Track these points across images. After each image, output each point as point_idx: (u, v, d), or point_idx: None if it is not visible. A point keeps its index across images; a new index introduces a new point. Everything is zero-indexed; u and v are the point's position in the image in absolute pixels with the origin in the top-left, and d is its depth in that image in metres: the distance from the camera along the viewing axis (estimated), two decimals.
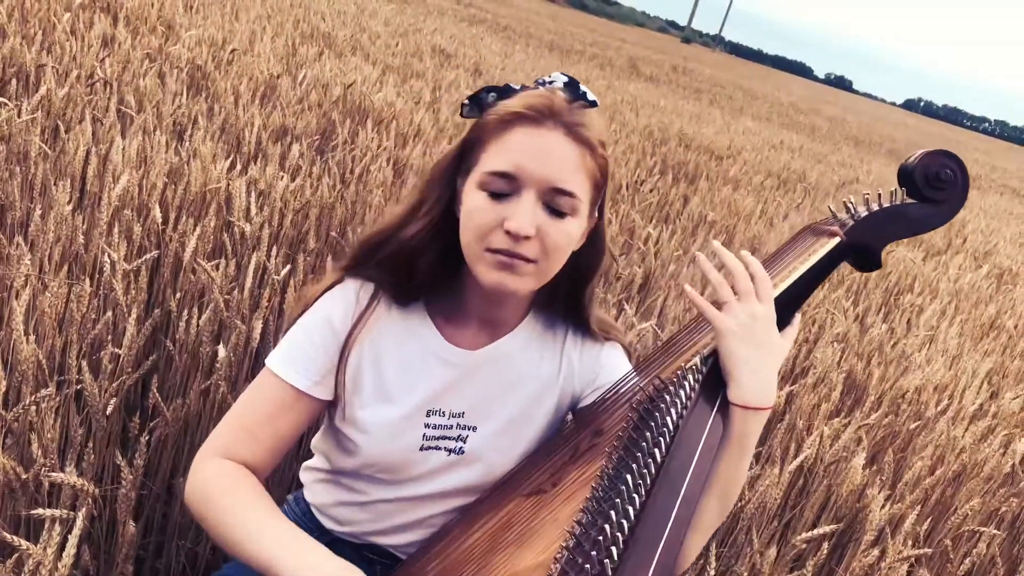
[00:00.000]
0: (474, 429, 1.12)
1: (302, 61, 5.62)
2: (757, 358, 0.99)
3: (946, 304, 4.46)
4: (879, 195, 1.13)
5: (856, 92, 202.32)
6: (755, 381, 0.99)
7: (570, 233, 1.01)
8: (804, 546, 1.73)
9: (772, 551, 1.66)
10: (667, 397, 0.99)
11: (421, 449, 1.10)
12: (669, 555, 0.78)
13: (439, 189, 1.06)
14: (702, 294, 1.06)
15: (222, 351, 1.55)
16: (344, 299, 1.08)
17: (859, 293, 4.36)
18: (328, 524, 1.22)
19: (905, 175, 1.11)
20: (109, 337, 1.61)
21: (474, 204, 0.99)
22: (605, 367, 1.17)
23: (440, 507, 1.14)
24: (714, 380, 1.01)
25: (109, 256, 1.86)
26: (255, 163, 3.22)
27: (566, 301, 1.15)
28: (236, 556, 0.94)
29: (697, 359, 1.04)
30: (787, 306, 1.06)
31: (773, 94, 27.96)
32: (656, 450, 0.90)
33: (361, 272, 1.09)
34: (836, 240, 1.10)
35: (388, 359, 1.09)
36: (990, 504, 2.20)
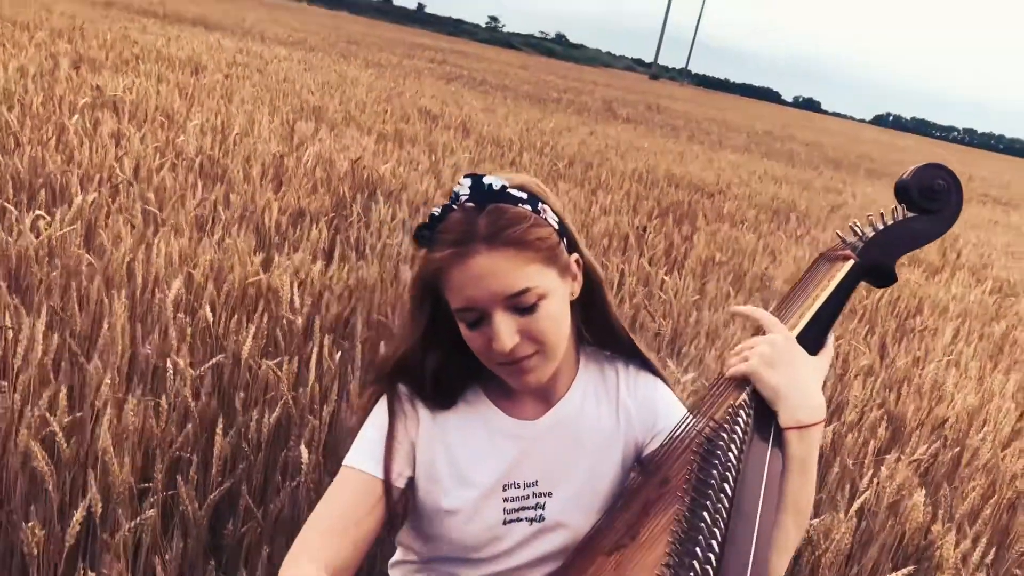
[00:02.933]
0: (550, 495, 1.16)
1: (302, 138, 5.72)
2: (791, 378, 1.04)
3: (959, 324, 4.53)
4: (881, 214, 1.19)
5: (825, 112, 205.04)
6: (797, 400, 1.03)
7: (552, 313, 1.07)
8: None
9: None
10: (724, 435, 1.02)
11: (504, 523, 1.14)
12: None
13: (418, 310, 1.14)
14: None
15: (306, 454, 1.59)
16: (399, 400, 1.16)
17: (873, 321, 4.43)
18: None
19: (902, 191, 1.17)
20: (189, 449, 1.65)
21: (464, 334, 1.08)
22: (661, 411, 1.22)
23: (534, 574, 1.17)
24: (765, 413, 1.05)
25: (174, 365, 1.90)
26: (279, 251, 3.28)
27: (598, 335, 1.22)
28: None
29: (744, 396, 1.07)
30: (818, 330, 1.11)
31: (747, 124, 28.39)
32: (726, 485, 0.94)
33: (384, 380, 1.18)
34: (851, 263, 1.16)
35: (457, 446, 1.15)
36: None
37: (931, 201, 1.15)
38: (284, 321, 2.31)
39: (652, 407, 1.22)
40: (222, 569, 1.33)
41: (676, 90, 58.75)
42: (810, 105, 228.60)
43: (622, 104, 22.17)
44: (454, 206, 1.06)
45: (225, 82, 8.31)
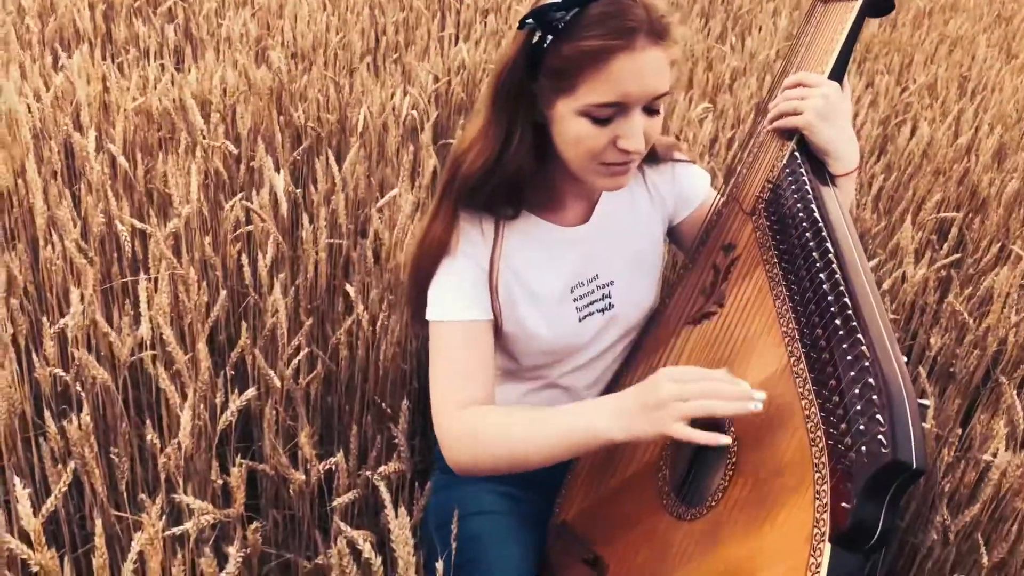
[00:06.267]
0: (612, 283, 1.25)
1: None
2: (841, 129, 1.13)
3: (777, 2, 4.76)
4: None
5: None
6: (848, 149, 1.13)
7: (662, 118, 1.09)
8: None
9: None
10: (784, 192, 1.10)
11: (580, 321, 1.23)
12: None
13: (522, 113, 1.08)
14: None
15: (352, 291, 1.56)
16: (469, 235, 1.15)
17: (708, 14, 4.56)
18: None
19: None
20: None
21: (580, 131, 1.04)
22: (686, 179, 1.32)
23: (613, 356, 1.30)
24: (815, 161, 1.13)
25: (132, 228, 1.74)
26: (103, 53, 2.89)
27: None
28: (537, 462, 1.03)
29: (791, 147, 1.13)
30: (839, 73, 1.18)
31: None
32: (825, 244, 0.99)
33: (473, 203, 1.15)
34: (859, 2, 1.19)
35: (524, 267, 1.18)
36: None
37: None
38: (207, 150, 2.12)
39: (673, 178, 1.31)
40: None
41: None
42: None
43: None
44: None
45: None
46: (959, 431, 1.41)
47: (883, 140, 2.81)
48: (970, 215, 2.40)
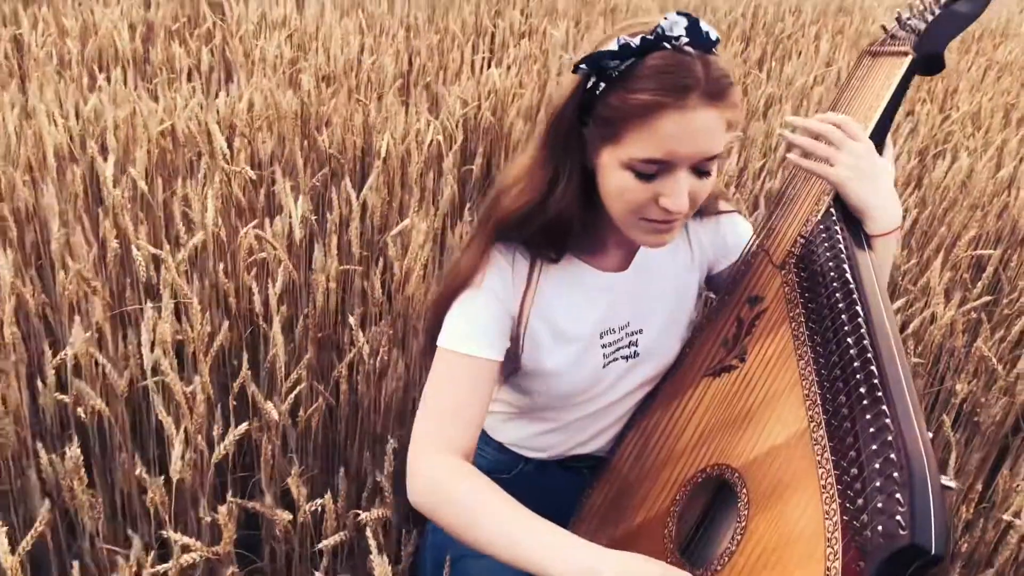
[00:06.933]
0: (640, 332, 1.22)
1: None
2: (876, 189, 1.09)
3: (818, 26, 4.70)
4: (918, 5, 1.21)
5: None
6: (884, 209, 1.10)
7: (713, 180, 1.05)
8: None
9: None
10: (816, 249, 1.07)
11: (603, 367, 1.20)
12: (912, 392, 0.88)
13: (571, 158, 1.06)
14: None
15: (354, 321, 1.55)
16: (499, 269, 1.12)
17: (749, 38, 4.52)
18: (528, 453, 1.32)
19: None
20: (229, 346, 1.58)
21: (623, 184, 1.01)
22: (729, 229, 1.28)
23: (628, 403, 1.26)
24: (851, 219, 1.10)
25: (148, 254, 1.75)
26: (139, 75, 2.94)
27: None
28: (487, 554, 0.97)
29: (823, 206, 1.11)
30: (882, 131, 1.15)
31: None
32: (855, 307, 0.96)
33: (510, 239, 1.12)
34: (909, 59, 1.18)
35: (555, 309, 1.15)
36: None
37: None
38: (226, 176, 2.13)
39: (718, 229, 1.27)
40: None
41: None
42: None
43: None
44: (666, 45, 0.96)
45: None
46: (979, 487, 1.34)
47: (920, 172, 2.72)
48: (1008, 252, 2.31)
